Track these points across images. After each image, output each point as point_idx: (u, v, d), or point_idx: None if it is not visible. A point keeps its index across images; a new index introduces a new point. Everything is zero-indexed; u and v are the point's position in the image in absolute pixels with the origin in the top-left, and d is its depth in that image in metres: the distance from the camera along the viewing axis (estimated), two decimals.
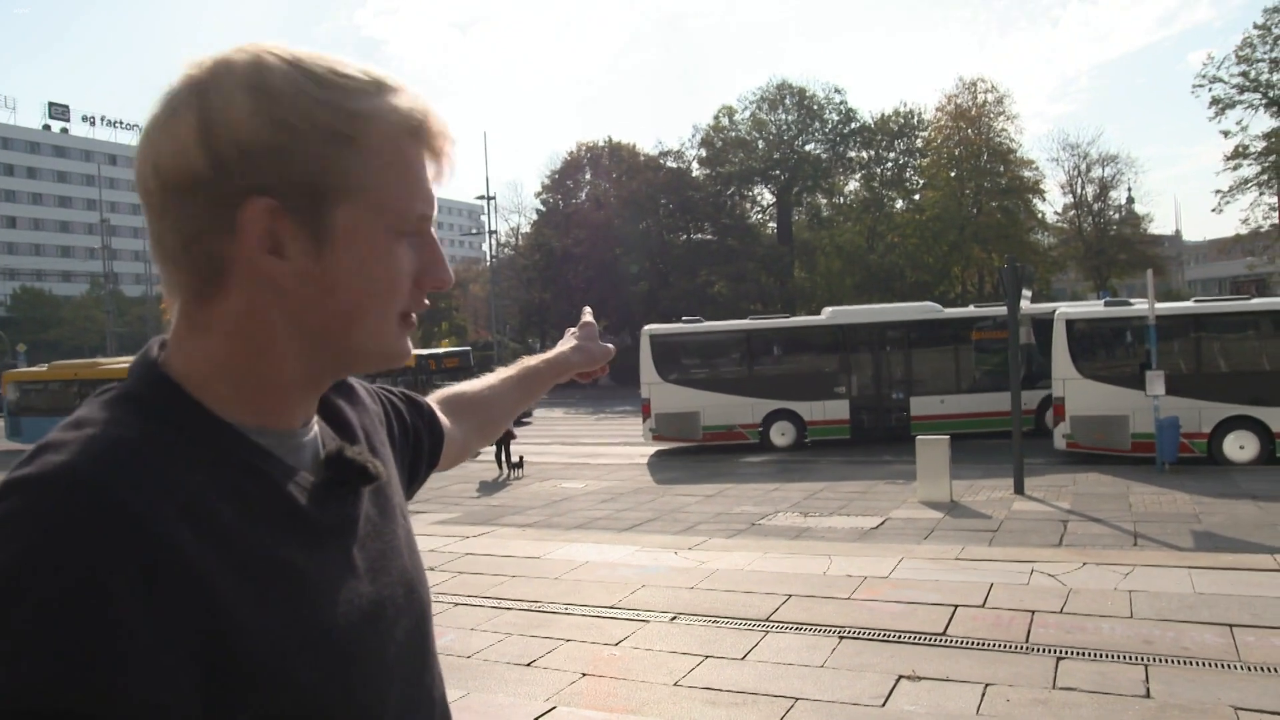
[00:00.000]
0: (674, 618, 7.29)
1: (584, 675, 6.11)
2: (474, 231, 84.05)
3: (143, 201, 0.90)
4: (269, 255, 0.87)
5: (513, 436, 21.31)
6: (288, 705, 0.85)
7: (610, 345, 1.88)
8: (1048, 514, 12.81)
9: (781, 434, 22.05)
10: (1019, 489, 14.67)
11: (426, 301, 1.00)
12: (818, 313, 26.26)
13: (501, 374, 1.75)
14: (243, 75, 0.86)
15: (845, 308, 24.97)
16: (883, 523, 12.91)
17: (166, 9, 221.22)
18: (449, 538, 11.16)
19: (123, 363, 29.22)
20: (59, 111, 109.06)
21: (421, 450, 1.37)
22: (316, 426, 1.02)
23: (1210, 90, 45.32)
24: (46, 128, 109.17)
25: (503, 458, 21.06)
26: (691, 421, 21.97)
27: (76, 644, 0.71)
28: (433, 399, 1.52)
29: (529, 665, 6.35)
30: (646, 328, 23.66)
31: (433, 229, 0.99)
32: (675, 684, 5.89)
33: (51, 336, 78.18)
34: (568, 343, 1.85)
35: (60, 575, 0.72)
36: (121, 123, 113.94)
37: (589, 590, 8.20)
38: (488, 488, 18.76)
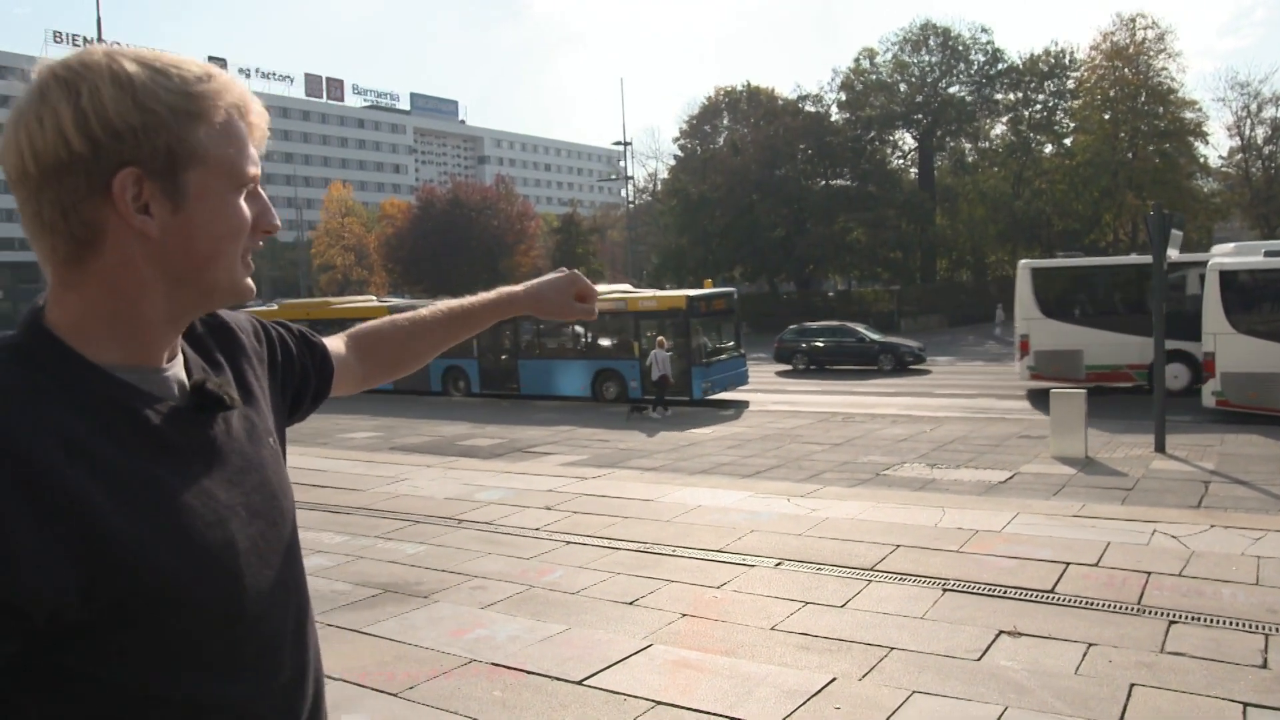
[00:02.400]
0: (778, 563, 7.35)
1: (683, 616, 6.24)
2: (612, 177, 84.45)
3: (16, 183, 1.09)
4: (140, 215, 1.08)
5: (668, 381, 21.59)
6: (155, 588, 1.06)
7: (588, 307, 1.89)
8: (1189, 474, 12.31)
9: (1174, 376, 19.93)
10: (1160, 447, 14.11)
11: (260, 244, 1.24)
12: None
13: (427, 311, 1.82)
14: (105, 72, 1.07)
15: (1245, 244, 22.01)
16: (1011, 477, 12.64)
17: None
18: (568, 479, 11.43)
19: (349, 303, 30.52)
20: (217, 64, 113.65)
21: (308, 384, 1.58)
22: (181, 361, 1.23)
23: None
24: None
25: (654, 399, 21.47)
26: (1074, 360, 20.93)
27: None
28: (341, 335, 1.75)
29: (631, 604, 6.52)
30: (1024, 261, 22.65)
31: (259, 185, 1.22)
32: (772, 628, 5.96)
33: None
34: (541, 280, 1.89)
35: None
36: (275, 74, 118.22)
37: (698, 534, 8.32)
38: (632, 428, 19.09)
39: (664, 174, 68.82)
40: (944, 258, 61.64)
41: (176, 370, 1.21)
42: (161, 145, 1.07)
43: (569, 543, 8.21)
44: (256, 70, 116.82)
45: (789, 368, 31.50)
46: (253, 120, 1.19)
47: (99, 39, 27.90)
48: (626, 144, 56.89)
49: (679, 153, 63.54)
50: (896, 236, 54.11)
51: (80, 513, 1.00)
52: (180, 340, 1.25)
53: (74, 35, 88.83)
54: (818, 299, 58.20)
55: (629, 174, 61.70)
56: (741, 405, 22.70)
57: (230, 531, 1.16)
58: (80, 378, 1.09)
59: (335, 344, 1.70)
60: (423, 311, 1.83)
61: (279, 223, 1.26)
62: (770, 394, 24.98)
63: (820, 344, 31.46)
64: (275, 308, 33.20)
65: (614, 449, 16.75)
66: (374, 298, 36.64)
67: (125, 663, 1.07)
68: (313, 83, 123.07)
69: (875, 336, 31.82)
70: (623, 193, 74.41)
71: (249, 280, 1.22)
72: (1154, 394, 14.43)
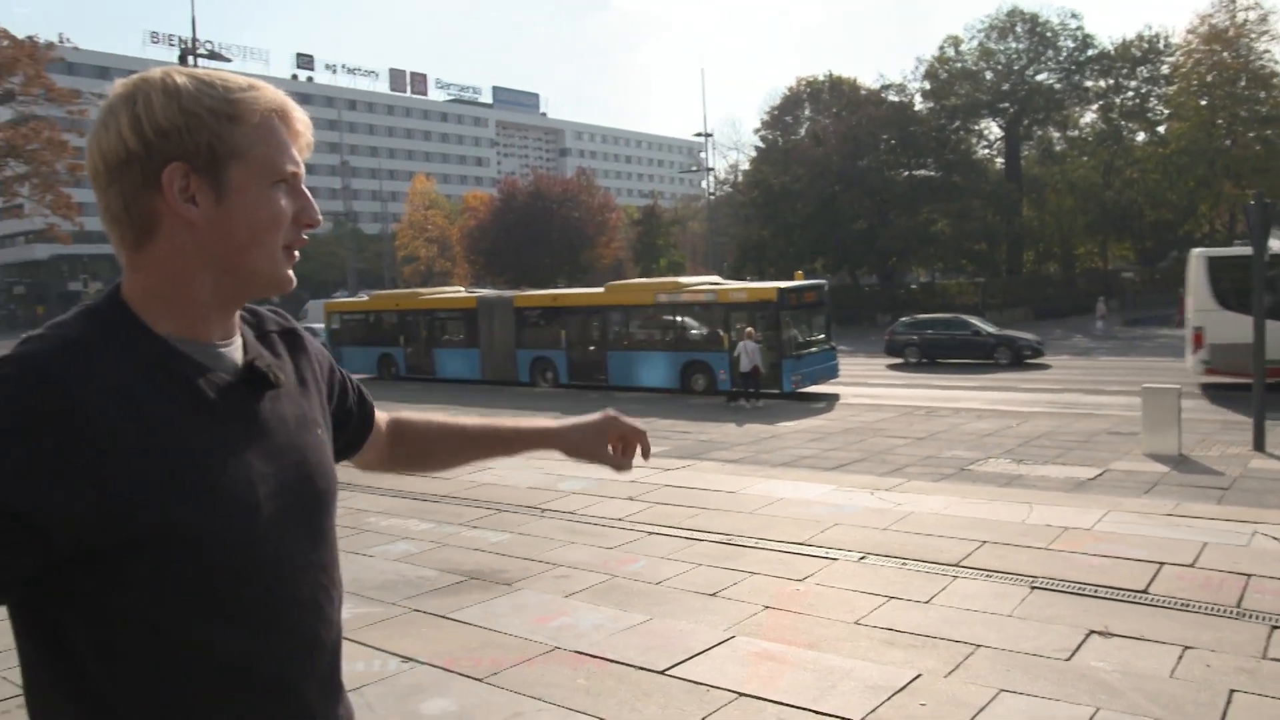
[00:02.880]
0: (862, 557, 7.30)
1: (766, 608, 6.23)
2: (693, 169, 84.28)
3: (93, 182, 1.27)
4: (186, 204, 1.24)
5: (759, 372, 21.57)
6: (168, 524, 1.19)
7: (623, 461, 1.93)
8: None
9: None
10: (1259, 445, 13.65)
11: (305, 238, 1.37)
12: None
13: (469, 421, 1.92)
14: (156, 84, 1.25)
15: None
16: (1101, 474, 12.36)
17: None
18: (650, 470, 11.45)
19: (437, 293, 30.93)
20: (305, 61, 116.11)
21: (345, 427, 1.71)
22: (240, 344, 1.38)
23: None
24: (294, 77, 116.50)
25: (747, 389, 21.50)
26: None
27: (15, 465, 1.09)
28: (389, 414, 1.88)
29: (714, 595, 6.53)
30: (1197, 251, 21.85)
31: (302, 184, 1.36)
32: (855, 622, 5.92)
33: (299, 270, 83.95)
34: (574, 420, 1.93)
35: (8, 419, 1.11)
36: (360, 69, 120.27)
37: (781, 526, 8.30)
38: (721, 419, 19.09)
39: (745, 165, 68.46)
40: (1030, 250, 60.25)
41: (232, 349, 1.36)
42: (204, 142, 1.24)
43: (651, 533, 8.25)
44: (342, 66, 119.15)
45: (900, 361, 30.82)
46: (295, 126, 1.35)
47: (193, 39, 28.72)
48: (708, 135, 56.79)
49: (760, 144, 63.12)
50: (981, 228, 53.07)
51: (108, 445, 1.14)
52: (243, 327, 1.41)
53: (170, 35, 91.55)
54: (900, 291, 57.39)
55: (710, 165, 61.55)
56: (832, 398, 22.53)
57: (257, 495, 1.28)
58: (140, 340, 1.25)
59: (381, 415, 1.84)
60: (465, 421, 1.92)
61: (319, 217, 1.39)
62: (861, 387, 24.74)
63: (933, 337, 30.64)
64: (366, 298, 33.78)
65: (694, 440, 16.76)
66: (461, 289, 36.96)
67: (139, 594, 1.19)
68: (397, 77, 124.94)
69: (991, 329, 30.92)
70: (703, 184, 74.24)
71: (289, 271, 1.36)
72: (1253, 390, 13.96)
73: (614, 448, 1.91)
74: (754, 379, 21.73)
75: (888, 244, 53.77)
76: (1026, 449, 14.70)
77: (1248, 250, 20.01)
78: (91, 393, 1.15)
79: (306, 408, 1.46)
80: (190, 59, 28.32)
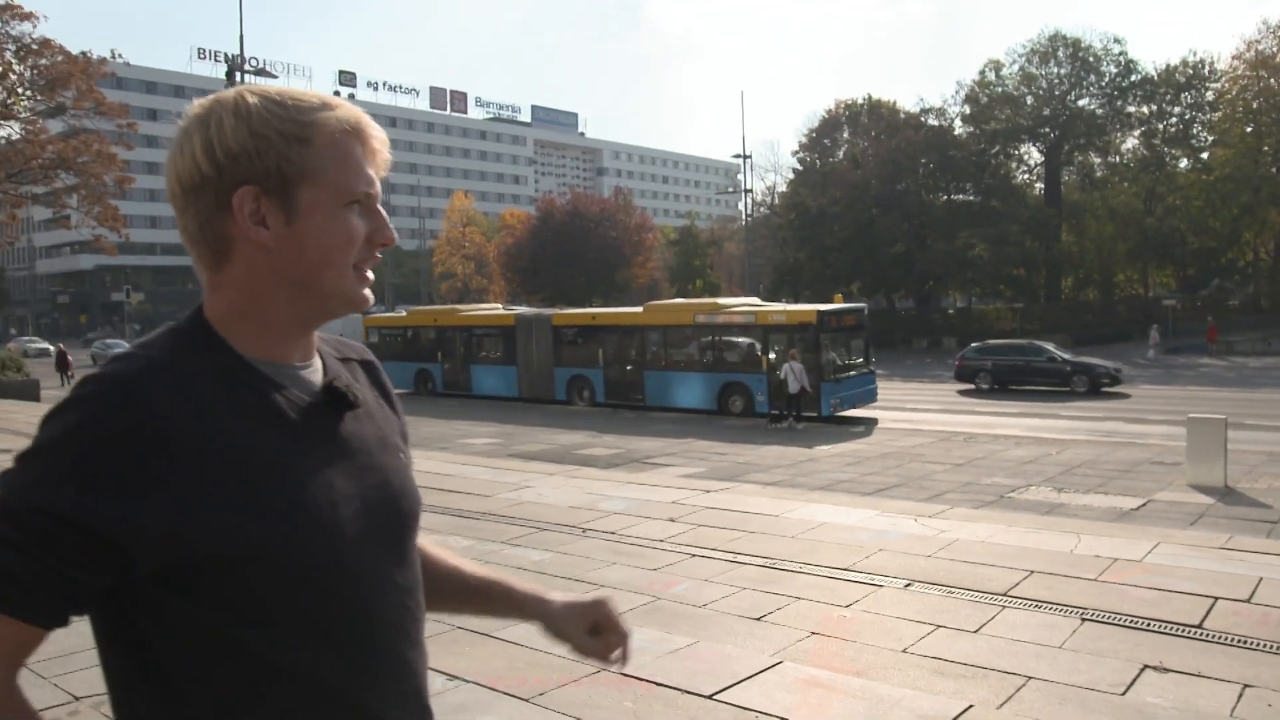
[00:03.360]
0: (908, 584, 7.22)
1: (812, 634, 6.17)
2: (730, 190, 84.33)
3: (171, 203, 1.29)
4: (256, 227, 1.25)
5: (806, 392, 21.58)
6: (251, 544, 1.19)
7: (596, 645, 1.73)
8: None
9: None
10: None
11: (379, 256, 1.37)
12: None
13: (468, 567, 1.74)
14: (228, 105, 1.26)
15: None
16: (1144, 504, 12.20)
17: None
18: (690, 491, 11.43)
19: (475, 309, 31.19)
20: (347, 78, 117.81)
21: None
22: (319, 366, 1.39)
23: None
24: (336, 94, 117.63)
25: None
26: None
27: (95, 482, 1.12)
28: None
29: (759, 620, 6.48)
30: None
31: (377, 204, 1.35)
32: (903, 650, 5.85)
33: None
34: (569, 600, 1.77)
35: (94, 436, 1.14)
36: (401, 87, 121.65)
37: (825, 551, 8.23)
38: (765, 441, 19.04)
39: (782, 187, 68.51)
40: (1069, 276, 59.80)
41: (311, 371, 1.37)
42: (273, 165, 1.24)
43: (693, 555, 8.21)
44: (384, 84, 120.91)
45: (970, 387, 30.28)
46: (371, 144, 1.34)
47: (241, 55, 29.15)
48: (746, 157, 56.90)
49: (798, 166, 63.24)
50: (1020, 253, 52.80)
51: (189, 463, 1.16)
52: (322, 349, 1.43)
53: (216, 51, 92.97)
54: (937, 316, 57.15)
55: (747, 187, 61.59)
56: (871, 423, 22.42)
57: (339, 515, 1.28)
58: (223, 359, 1.27)
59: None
60: (465, 564, 1.75)
61: (395, 236, 1.38)
62: (899, 412, 24.60)
63: (1006, 363, 30.10)
64: (404, 314, 34.05)
65: (731, 462, 16.73)
66: (499, 306, 37.29)
67: (220, 611, 1.20)
68: (437, 95, 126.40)
69: (1067, 356, 30.38)
70: (739, 206, 74.27)
71: (365, 291, 1.36)
72: None
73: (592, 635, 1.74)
74: (799, 400, 21.70)
75: (925, 268, 53.57)
76: (1067, 477, 14.54)
77: None
78: (174, 411, 1.17)
79: (387, 430, 1.46)
80: (238, 75, 28.76)
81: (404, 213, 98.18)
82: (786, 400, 22.00)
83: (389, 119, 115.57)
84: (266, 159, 1.24)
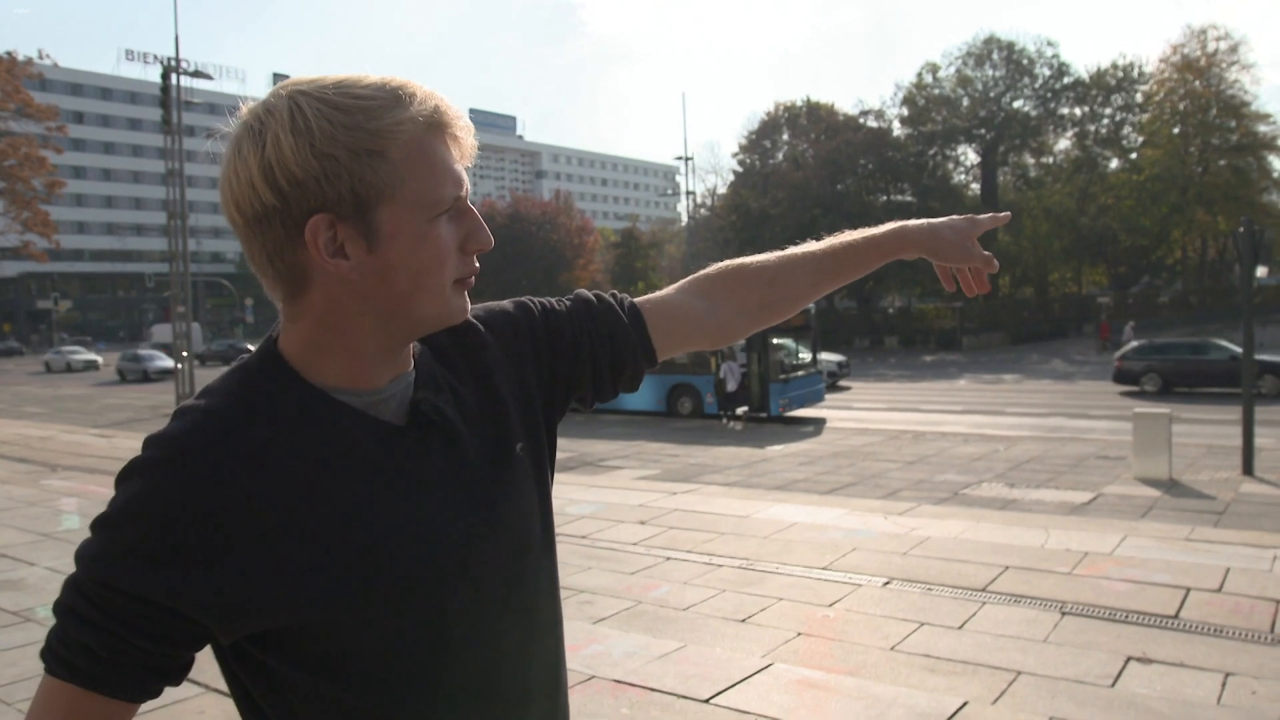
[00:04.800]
0: (887, 582, 7.26)
1: (799, 634, 6.18)
2: (669, 192, 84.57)
3: (232, 228, 1.14)
4: (335, 258, 1.09)
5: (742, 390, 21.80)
6: (327, 611, 1.10)
7: (987, 254, 1.62)
8: None
9: None
10: (1248, 470, 13.79)
11: (477, 264, 1.20)
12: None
13: (792, 250, 1.60)
14: (284, 119, 1.07)
15: None
16: (1095, 498, 12.43)
17: None
18: (656, 493, 11.40)
19: None
20: (281, 80, 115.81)
21: (595, 354, 1.44)
22: (410, 378, 1.23)
23: None
24: None
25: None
26: None
27: (162, 555, 1.04)
28: (680, 284, 1.58)
29: (744, 621, 6.47)
30: None
31: (467, 204, 1.18)
32: (892, 648, 5.88)
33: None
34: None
35: (154, 507, 1.05)
36: None
37: (800, 551, 8.25)
38: (705, 441, 19.08)
39: (723, 188, 68.87)
40: (1006, 274, 60.91)
41: (400, 389, 1.22)
42: (345, 189, 1.07)
43: (669, 558, 8.18)
44: None
45: (1134, 389, 27.63)
46: (454, 132, 1.16)
47: (176, 57, 28.51)
48: (688, 159, 57.06)
49: (738, 167, 63.56)
50: None
51: (257, 531, 1.07)
52: (416, 356, 1.26)
53: (146, 53, 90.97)
54: (877, 315, 57.80)
55: (689, 189, 61.81)
56: (819, 422, 22.58)
57: (434, 555, 1.17)
58: (296, 397, 1.15)
59: (664, 295, 1.55)
60: (788, 251, 1.60)
61: (491, 239, 1.20)
62: (846, 411, 24.81)
63: (1178, 363, 27.30)
64: None
65: (685, 464, 16.73)
66: None
67: (312, 671, 1.13)
68: None
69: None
70: (678, 208, 74.49)
71: (462, 303, 1.21)
72: (1243, 414, 14.09)
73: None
74: (735, 398, 21.92)
75: None
76: (1017, 473, 14.77)
77: None
78: (238, 472, 1.08)
79: (501, 427, 1.30)
80: (173, 77, 28.10)
81: None
82: (723, 398, 22.24)
83: None
84: (338, 183, 1.07)
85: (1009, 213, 1.68)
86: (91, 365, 53.64)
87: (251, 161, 1.08)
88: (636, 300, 1.52)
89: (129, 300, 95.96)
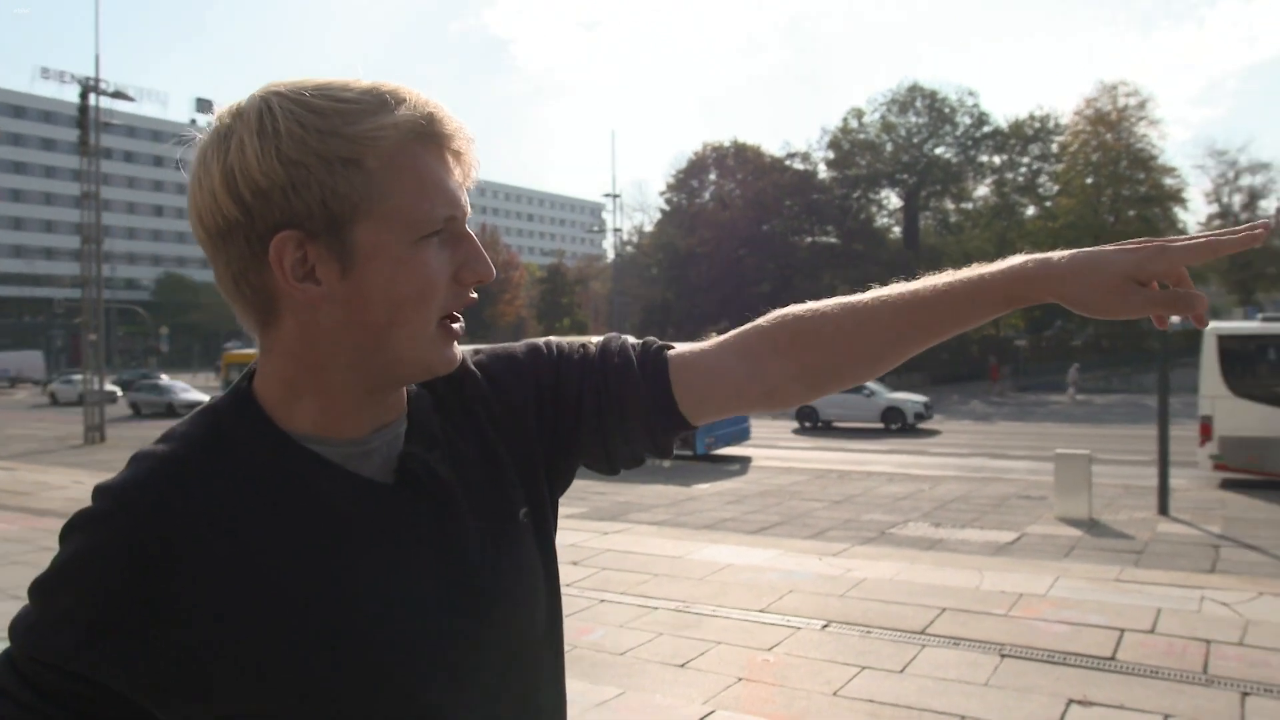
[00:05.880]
0: (825, 625, 7.19)
1: (740, 679, 6.06)
2: (596, 229, 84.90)
3: (200, 246, 1.00)
4: (303, 283, 0.94)
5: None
6: (286, 703, 0.94)
7: (1176, 296, 1.05)
8: (1197, 538, 12.27)
9: None
10: (1163, 510, 14.08)
11: (473, 296, 1.03)
12: None
13: (870, 296, 1.20)
14: (251, 121, 0.93)
15: None
16: (1019, 538, 12.55)
17: (302, 7, 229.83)
18: (587, 533, 11.23)
19: None
20: (204, 106, 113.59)
21: (581, 418, 1.19)
22: (401, 427, 1.06)
23: None
24: (193, 121, 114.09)
25: None
26: (1273, 450, 16.79)
27: (99, 625, 0.91)
28: (725, 337, 1.25)
29: (682, 666, 6.33)
30: (1212, 325, 17.26)
31: (466, 225, 1.01)
32: (834, 693, 5.79)
33: (191, 320, 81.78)
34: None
35: (97, 569, 0.92)
36: None
37: (736, 593, 8.15)
38: (630, 479, 18.86)
39: (650, 227, 69.32)
40: None
41: (385, 441, 1.05)
42: (315, 201, 0.92)
43: (603, 600, 8.01)
44: None
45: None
46: (453, 145, 0.99)
47: (96, 78, 27.79)
48: (615, 196, 57.30)
49: (666, 206, 64.09)
50: None
51: (205, 606, 0.93)
52: (411, 403, 1.09)
53: (63, 71, 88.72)
54: None
55: (616, 226, 62.07)
56: (745, 461, 22.59)
57: (414, 643, 0.99)
58: (263, 446, 0.99)
59: (701, 350, 1.23)
60: (863, 297, 1.20)
61: (492, 270, 1.03)
62: (770, 449, 24.89)
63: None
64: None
65: (611, 502, 16.56)
66: None
67: None
68: None
69: None
70: (605, 245, 74.76)
71: (451, 351, 1.03)
72: (1158, 456, 14.41)
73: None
74: None
75: None
76: (942, 512, 14.89)
77: (1262, 326, 18.36)
78: (193, 532, 0.93)
79: (502, 493, 1.11)
80: (92, 97, 27.37)
81: None
82: None
83: None
84: (306, 194, 0.91)
85: (1268, 222, 1.07)
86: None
87: (214, 169, 0.93)
88: (672, 354, 1.23)
89: (35, 326, 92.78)
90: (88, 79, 27.60)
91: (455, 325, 1.03)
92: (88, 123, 26.93)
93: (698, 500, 16.86)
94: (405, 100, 0.96)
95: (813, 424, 30.58)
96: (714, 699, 5.71)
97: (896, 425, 29.47)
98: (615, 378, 1.19)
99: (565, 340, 1.26)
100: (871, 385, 31.02)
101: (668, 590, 8.28)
